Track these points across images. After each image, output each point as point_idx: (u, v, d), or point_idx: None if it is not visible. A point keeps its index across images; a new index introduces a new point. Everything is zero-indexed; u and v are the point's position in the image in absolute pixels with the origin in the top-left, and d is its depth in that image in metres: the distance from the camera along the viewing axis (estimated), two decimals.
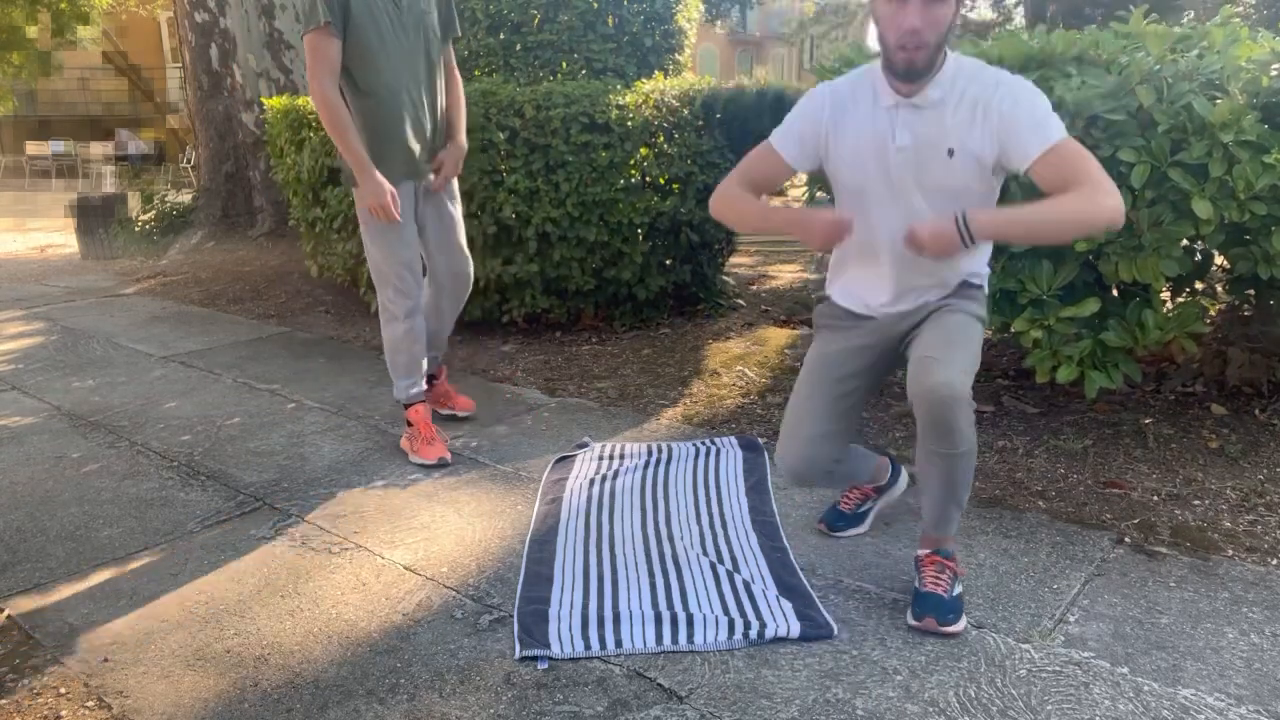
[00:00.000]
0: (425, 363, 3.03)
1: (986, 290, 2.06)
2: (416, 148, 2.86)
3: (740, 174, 2.08)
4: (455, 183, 3.06)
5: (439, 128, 2.95)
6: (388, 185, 2.73)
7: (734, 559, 2.24)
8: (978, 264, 2.04)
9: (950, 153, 1.84)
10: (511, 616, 2.02)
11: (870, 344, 2.09)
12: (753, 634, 1.90)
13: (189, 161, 15.91)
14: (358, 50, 2.71)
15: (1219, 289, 3.11)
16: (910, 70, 1.80)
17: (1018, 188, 2.63)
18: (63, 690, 1.80)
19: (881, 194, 1.94)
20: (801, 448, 2.07)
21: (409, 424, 2.98)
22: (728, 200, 2.05)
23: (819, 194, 3.35)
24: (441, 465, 2.90)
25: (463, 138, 3.04)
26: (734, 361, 3.95)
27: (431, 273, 3.09)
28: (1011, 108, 1.79)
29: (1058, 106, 2.53)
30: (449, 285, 3.10)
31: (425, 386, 3.04)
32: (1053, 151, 1.75)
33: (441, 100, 2.96)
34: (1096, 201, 1.70)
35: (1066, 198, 1.73)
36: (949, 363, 1.81)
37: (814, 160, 2.01)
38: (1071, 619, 1.97)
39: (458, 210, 3.07)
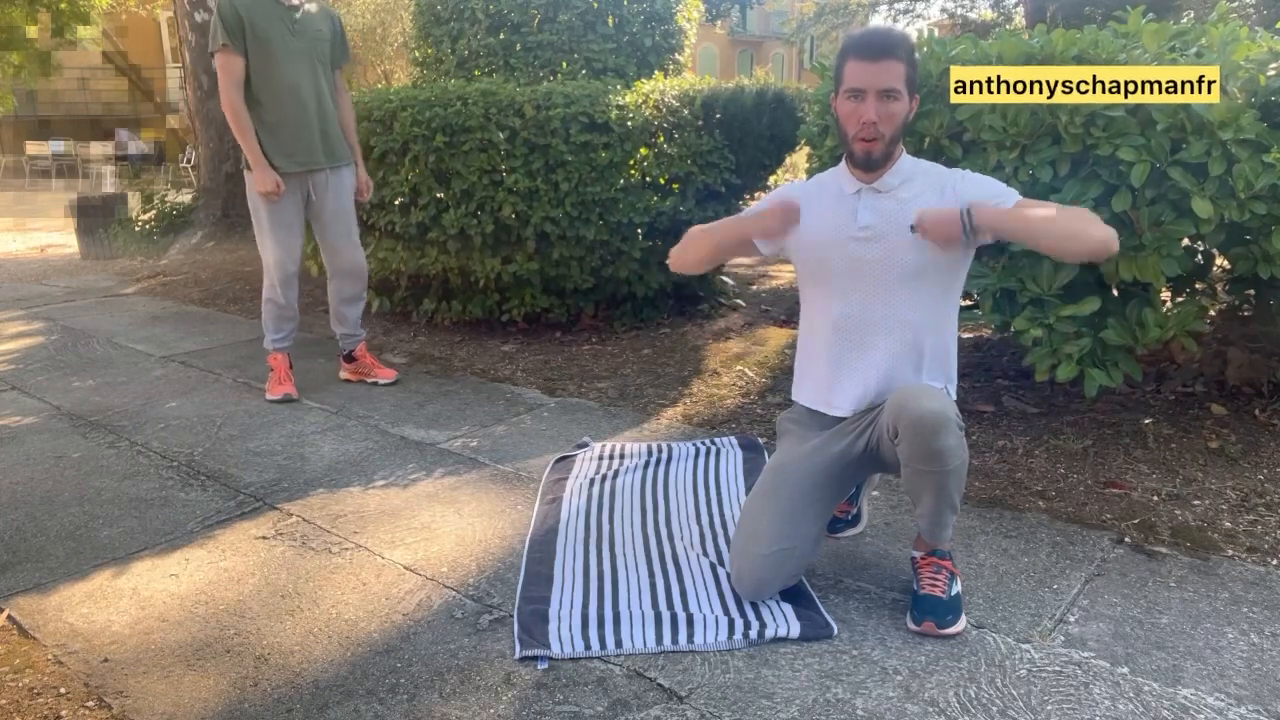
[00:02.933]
0: (294, 324, 3.73)
1: (953, 397, 2.04)
2: (305, 146, 3.47)
3: (705, 228, 2.20)
4: (349, 188, 3.66)
5: (328, 132, 3.54)
6: (274, 175, 3.38)
7: None
8: (940, 377, 2.05)
9: (913, 229, 1.94)
10: (511, 616, 2.01)
11: (835, 448, 2.03)
12: (753, 634, 1.90)
13: (189, 161, 15.91)
14: (257, 65, 3.36)
15: (1219, 289, 3.11)
16: (868, 159, 1.95)
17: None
18: (63, 690, 1.80)
19: (843, 278, 2.01)
20: (752, 569, 1.98)
21: (271, 369, 3.69)
22: (689, 237, 2.16)
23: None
24: (287, 400, 3.56)
25: (359, 156, 3.77)
26: (734, 361, 3.95)
27: (328, 262, 3.74)
28: (969, 186, 1.94)
29: (1057, 105, 2.54)
30: (342, 272, 3.72)
31: (289, 342, 3.73)
32: (1022, 204, 1.88)
33: (331, 110, 3.56)
34: (1094, 223, 1.81)
35: (1070, 212, 1.83)
36: (931, 395, 1.84)
37: (779, 242, 2.11)
38: (1071, 619, 1.97)
39: (350, 209, 3.66)
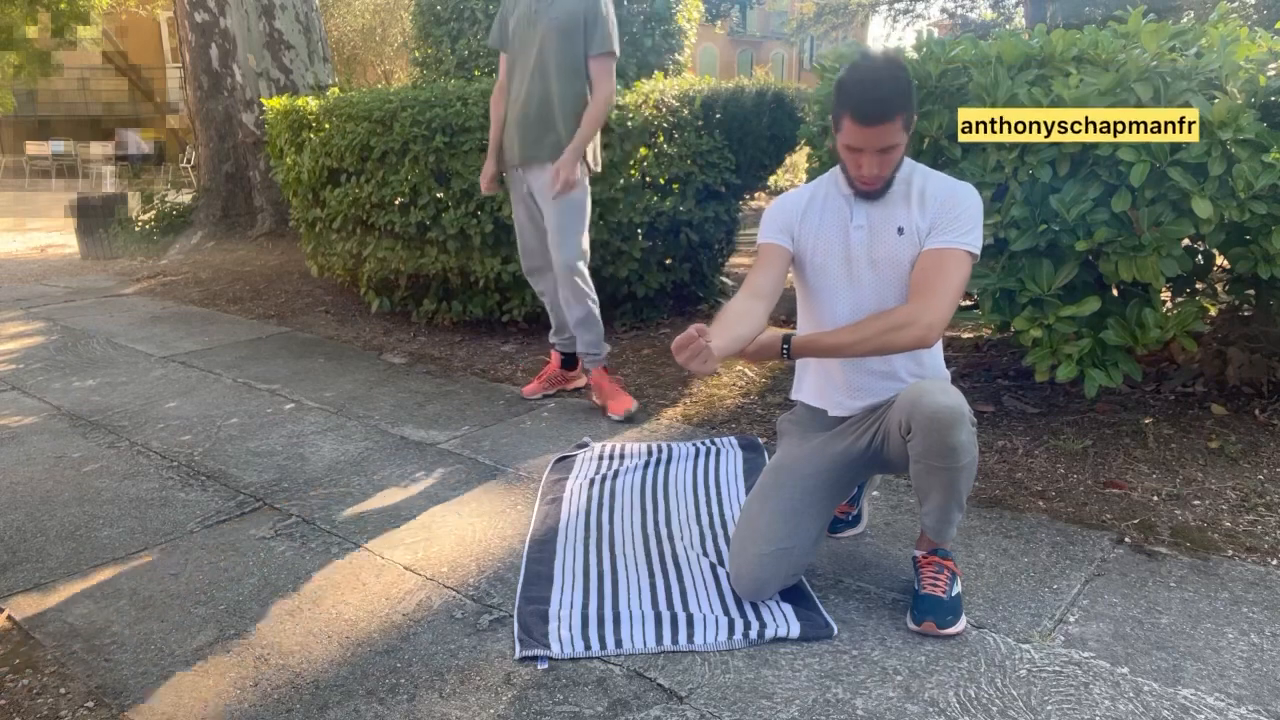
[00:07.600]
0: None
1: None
2: (513, 143, 3.28)
3: (747, 285, 2.07)
4: (557, 187, 3.20)
5: (541, 127, 3.20)
6: (488, 169, 3.37)
7: None
8: (933, 370, 2.07)
9: (900, 230, 1.95)
10: (511, 616, 2.01)
11: (837, 448, 2.05)
12: (753, 634, 1.90)
13: (189, 161, 15.91)
14: (507, 62, 3.27)
15: (1219, 289, 3.11)
16: (868, 195, 1.96)
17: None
18: (63, 690, 1.80)
19: (840, 275, 2.02)
20: (752, 568, 1.98)
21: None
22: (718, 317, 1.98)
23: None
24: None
25: (570, 146, 3.17)
26: (734, 361, 3.95)
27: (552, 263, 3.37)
28: (950, 206, 1.92)
29: (1057, 104, 2.54)
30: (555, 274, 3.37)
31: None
32: (939, 251, 1.89)
33: (555, 103, 3.16)
34: (909, 321, 1.83)
35: (882, 317, 1.88)
36: (945, 390, 1.85)
37: (794, 246, 2.08)
38: (1071, 619, 1.97)
39: (551, 210, 3.25)
